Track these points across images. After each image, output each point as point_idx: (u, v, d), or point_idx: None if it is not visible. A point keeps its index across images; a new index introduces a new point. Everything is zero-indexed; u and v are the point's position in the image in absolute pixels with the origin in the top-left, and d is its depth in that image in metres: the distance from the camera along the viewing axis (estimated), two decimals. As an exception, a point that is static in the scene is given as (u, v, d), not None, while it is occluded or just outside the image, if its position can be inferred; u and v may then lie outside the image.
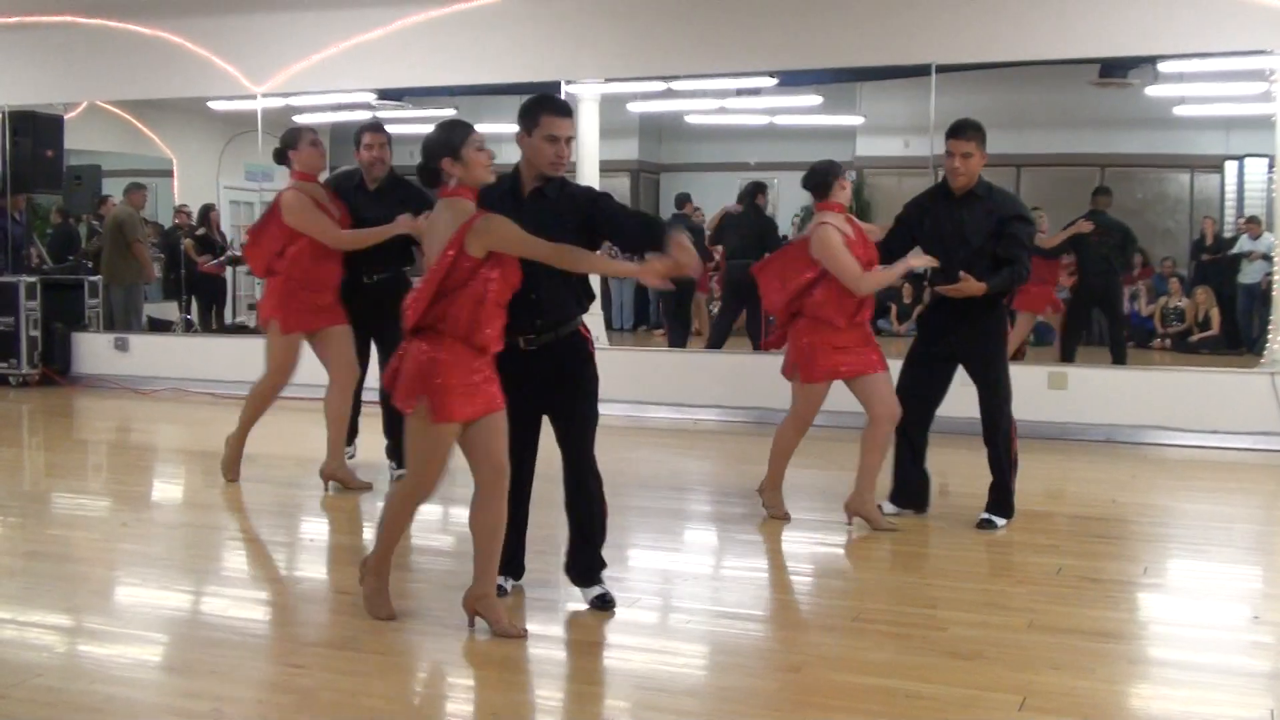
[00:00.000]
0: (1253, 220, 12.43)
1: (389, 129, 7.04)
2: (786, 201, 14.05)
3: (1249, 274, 12.35)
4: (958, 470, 7.24)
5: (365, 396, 7.11)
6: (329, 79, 10.83)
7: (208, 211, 13.79)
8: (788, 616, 4.63)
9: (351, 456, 7.19)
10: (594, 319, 11.17)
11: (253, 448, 7.05)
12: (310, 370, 6.95)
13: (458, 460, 4.41)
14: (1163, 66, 9.64)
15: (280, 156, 6.83)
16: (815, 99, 12.64)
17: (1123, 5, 8.71)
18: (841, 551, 5.87)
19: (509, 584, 4.78)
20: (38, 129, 11.79)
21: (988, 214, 5.89)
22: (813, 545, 5.95)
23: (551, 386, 4.54)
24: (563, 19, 10.09)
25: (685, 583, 5.27)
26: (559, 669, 4.25)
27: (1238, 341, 12.50)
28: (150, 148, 13.99)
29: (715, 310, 12.76)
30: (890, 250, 6.08)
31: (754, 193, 11.55)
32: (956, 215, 5.93)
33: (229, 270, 13.87)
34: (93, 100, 12.38)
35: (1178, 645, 4.51)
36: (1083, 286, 10.58)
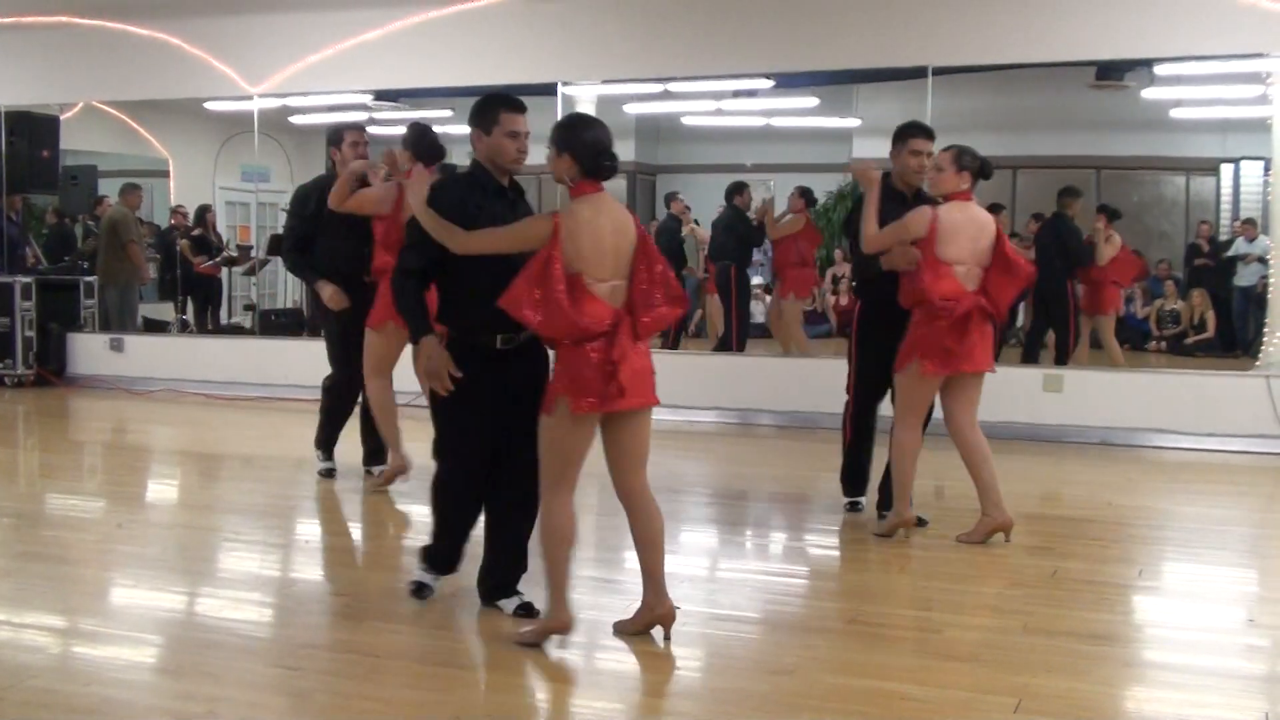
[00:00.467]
0: (1248, 223, 12.44)
1: (388, 130, 7.06)
2: (783, 202, 14.05)
3: (1244, 277, 12.35)
4: (953, 473, 7.24)
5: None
6: (325, 80, 10.81)
7: (204, 212, 13.80)
8: (782, 619, 4.63)
9: (332, 470, 7.17)
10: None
11: (248, 448, 7.05)
12: (311, 372, 6.93)
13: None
14: (1159, 69, 9.65)
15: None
16: (812, 101, 12.64)
17: (1119, 8, 8.72)
18: (836, 554, 5.87)
19: (436, 582, 4.74)
20: (34, 129, 11.79)
21: None
22: (806, 547, 5.95)
23: (518, 392, 4.44)
24: (559, 20, 10.10)
25: (679, 585, 5.26)
26: (554, 671, 4.24)
27: (1233, 344, 12.50)
28: (146, 148, 13.99)
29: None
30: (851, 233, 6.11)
31: (733, 193, 11.52)
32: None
33: (224, 271, 13.86)
34: (89, 100, 12.37)
35: (1173, 648, 4.51)
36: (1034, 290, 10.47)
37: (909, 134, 5.95)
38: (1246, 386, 8.70)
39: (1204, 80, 9.93)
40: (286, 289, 14.72)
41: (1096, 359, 10.35)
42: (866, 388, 6.16)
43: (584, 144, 4.19)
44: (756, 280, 13.03)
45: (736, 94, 11.69)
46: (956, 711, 3.78)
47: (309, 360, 6.87)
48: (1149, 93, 10.78)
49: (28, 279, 11.63)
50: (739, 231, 11.38)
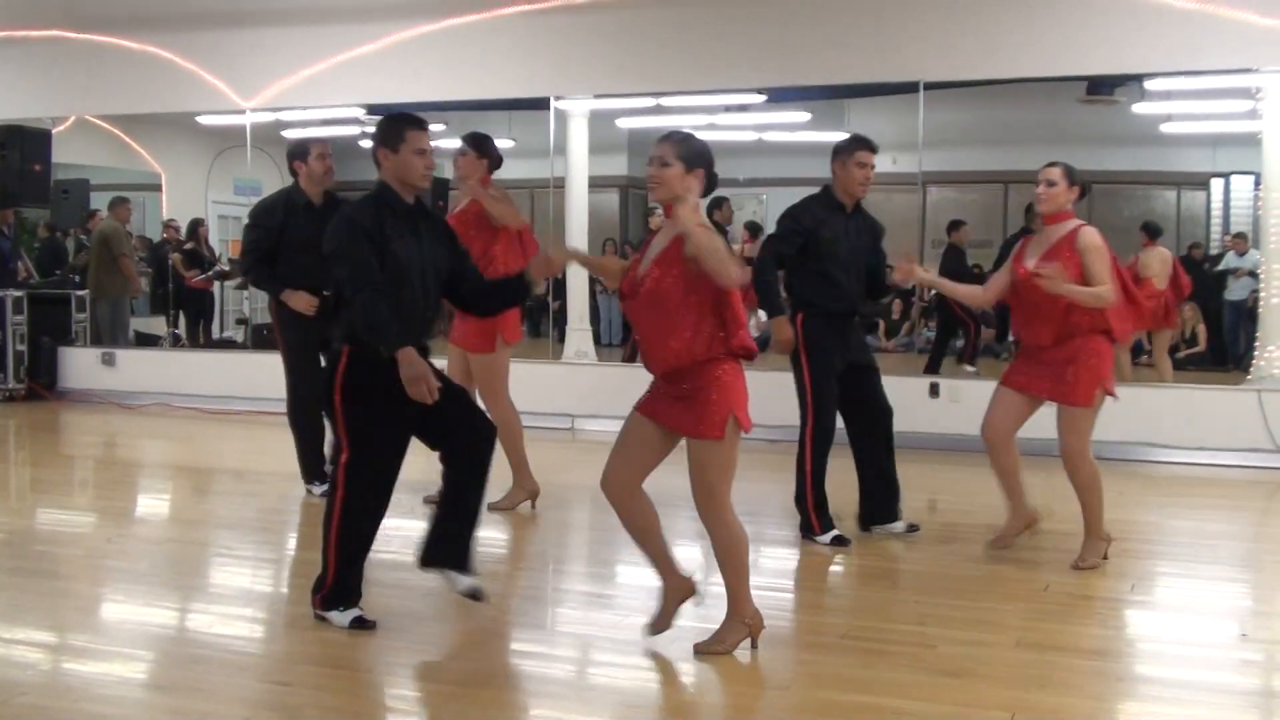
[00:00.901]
0: (1239, 237, 12.49)
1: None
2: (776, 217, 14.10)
3: (1235, 291, 12.40)
4: (948, 488, 7.25)
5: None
6: (318, 94, 10.83)
7: (196, 226, 13.78)
8: (775, 634, 4.62)
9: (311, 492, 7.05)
10: (583, 335, 11.24)
11: (239, 463, 7.03)
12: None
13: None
14: (1149, 84, 9.71)
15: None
16: (804, 115, 12.68)
17: (1109, 23, 8.75)
18: (829, 569, 5.86)
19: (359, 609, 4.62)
20: (25, 143, 11.78)
21: (869, 228, 6.16)
22: (800, 562, 5.93)
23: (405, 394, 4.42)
24: (552, 35, 10.12)
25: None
26: (546, 686, 4.23)
27: (1224, 358, 12.53)
28: (139, 162, 13.98)
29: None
30: (781, 255, 6.12)
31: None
32: (851, 227, 6.08)
33: (217, 285, 13.84)
34: (81, 115, 12.37)
35: (1166, 663, 4.51)
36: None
37: (857, 146, 6.04)
38: (1238, 401, 8.72)
39: (1194, 95, 9.97)
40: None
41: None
42: (826, 400, 6.07)
43: (711, 164, 4.32)
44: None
45: (729, 109, 11.72)
46: (950, 727, 3.77)
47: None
48: (1139, 107, 10.83)
49: (19, 293, 11.62)
50: None
